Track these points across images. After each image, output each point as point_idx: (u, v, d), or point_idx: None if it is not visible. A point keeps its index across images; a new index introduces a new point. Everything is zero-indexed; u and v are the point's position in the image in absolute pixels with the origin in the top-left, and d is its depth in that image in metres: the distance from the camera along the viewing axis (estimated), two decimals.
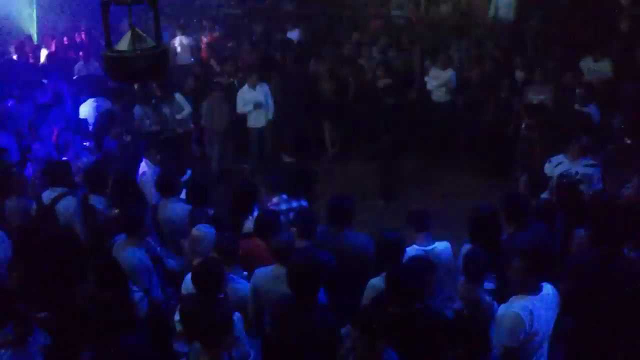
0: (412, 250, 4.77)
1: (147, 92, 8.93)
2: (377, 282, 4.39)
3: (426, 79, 9.86)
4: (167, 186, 5.92)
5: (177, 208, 5.70)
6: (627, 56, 9.36)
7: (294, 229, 4.94)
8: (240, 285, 4.59)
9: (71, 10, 13.38)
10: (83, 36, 12.79)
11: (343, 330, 3.93)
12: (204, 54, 11.94)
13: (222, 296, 4.29)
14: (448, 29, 11.86)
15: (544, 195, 5.86)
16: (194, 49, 12.15)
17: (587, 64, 9.30)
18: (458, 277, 4.51)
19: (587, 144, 6.52)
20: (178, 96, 9.11)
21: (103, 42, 4.56)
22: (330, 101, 9.94)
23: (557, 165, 6.43)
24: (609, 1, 10.81)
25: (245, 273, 4.77)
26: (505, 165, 8.76)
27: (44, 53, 11.95)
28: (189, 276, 4.51)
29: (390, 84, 9.59)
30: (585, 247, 4.98)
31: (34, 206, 5.95)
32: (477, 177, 9.14)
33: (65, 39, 12.80)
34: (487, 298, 4.32)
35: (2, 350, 3.94)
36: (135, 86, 8.81)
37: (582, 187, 6.11)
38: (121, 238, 5.12)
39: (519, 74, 9.49)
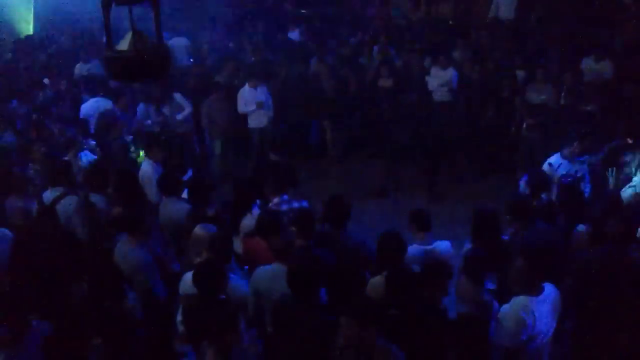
0: (413, 249, 4.77)
1: (150, 91, 8.94)
2: (377, 281, 4.39)
3: (427, 78, 9.85)
4: (168, 186, 5.93)
5: (178, 207, 5.70)
6: (630, 56, 9.35)
7: (293, 229, 4.94)
8: (239, 284, 4.58)
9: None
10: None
11: None
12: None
13: (223, 297, 4.28)
14: (448, 28, 11.88)
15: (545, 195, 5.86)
16: (194, 49, 12.14)
17: (588, 65, 9.30)
18: (458, 276, 4.51)
19: (588, 144, 6.52)
20: (178, 96, 9.12)
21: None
22: (331, 101, 9.93)
23: (558, 167, 6.42)
24: (610, 1, 10.81)
25: (247, 267, 4.76)
26: (507, 165, 8.77)
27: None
28: (187, 276, 4.51)
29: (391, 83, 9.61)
30: (585, 244, 4.97)
31: (35, 206, 5.95)
32: (478, 176, 9.15)
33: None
34: (488, 298, 4.32)
35: None
36: (138, 86, 8.83)
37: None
38: (123, 237, 5.12)
39: (520, 74, 9.48)
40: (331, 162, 10.05)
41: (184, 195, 5.95)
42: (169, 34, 11.79)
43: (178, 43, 11.76)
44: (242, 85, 9.36)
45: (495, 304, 4.29)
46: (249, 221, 5.35)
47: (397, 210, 7.46)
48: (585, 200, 5.94)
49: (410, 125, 9.13)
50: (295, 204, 5.70)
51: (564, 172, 6.26)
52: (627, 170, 6.32)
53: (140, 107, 8.78)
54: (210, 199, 5.80)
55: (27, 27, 13.61)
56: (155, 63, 4.40)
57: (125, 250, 4.92)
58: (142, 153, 7.37)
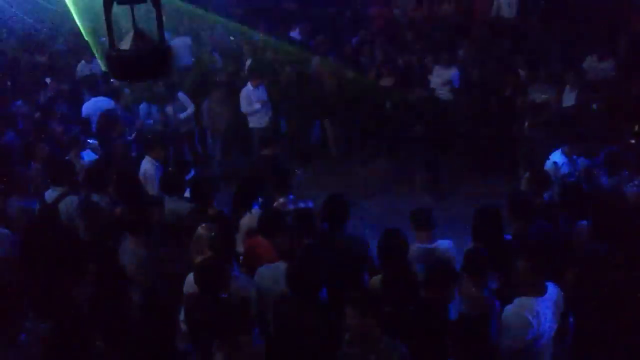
0: (415, 248, 4.77)
1: (152, 91, 8.95)
2: (378, 280, 4.39)
3: (430, 77, 9.84)
4: (171, 185, 5.95)
5: (181, 207, 5.70)
6: (634, 55, 9.33)
7: None
8: (243, 283, 4.58)
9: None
10: None
11: None
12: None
13: (225, 296, 4.28)
14: (450, 27, 11.86)
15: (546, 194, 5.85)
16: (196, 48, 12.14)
17: (591, 63, 9.28)
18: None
19: (586, 146, 6.52)
20: (182, 95, 9.14)
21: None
22: (332, 100, 9.91)
23: (562, 166, 6.41)
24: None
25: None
26: (508, 165, 8.75)
27: None
28: (191, 276, 4.51)
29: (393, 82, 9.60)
30: (586, 239, 4.97)
31: (37, 205, 5.95)
32: (480, 175, 9.13)
33: None
34: (489, 297, 4.32)
35: None
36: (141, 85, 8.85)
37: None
38: (126, 237, 5.12)
39: (522, 73, 9.46)
40: (332, 161, 10.05)
41: (187, 194, 5.97)
42: (171, 34, 11.86)
43: (181, 42, 11.78)
44: (244, 84, 9.36)
45: (497, 303, 4.29)
46: (247, 220, 5.37)
47: (398, 209, 7.45)
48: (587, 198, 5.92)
49: (412, 123, 9.13)
50: (302, 204, 5.71)
51: (567, 171, 6.25)
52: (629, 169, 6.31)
53: (142, 107, 8.79)
54: (212, 199, 5.81)
55: None
56: (156, 62, 4.39)
57: (129, 250, 4.92)
58: None
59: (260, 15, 13.19)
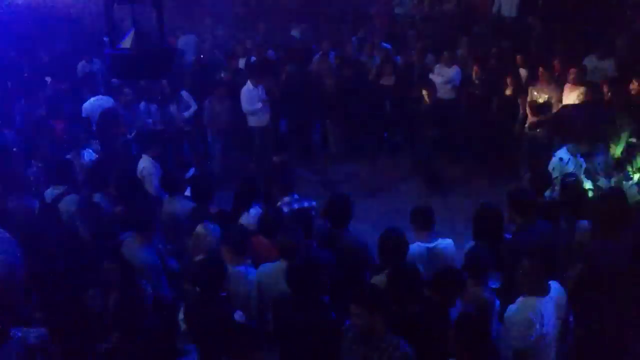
0: (415, 247, 4.77)
1: (153, 89, 8.95)
2: (380, 279, 4.39)
3: (431, 76, 9.84)
4: (171, 184, 5.95)
5: (181, 205, 5.71)
6: (634, 54, 9.32)
7: None
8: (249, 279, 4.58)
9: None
10: None
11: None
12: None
13: (224, 294, 4.29)
14: (451, 26, 11.85)
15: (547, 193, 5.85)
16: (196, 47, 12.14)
17: (591, 62, 9.27)
18: None
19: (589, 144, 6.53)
20: (185, 94, 9.16)
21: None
22: (333, 99, 9.91)
23: (567, 163, 6.41)
24: None
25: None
26: (509, 164, 8.75)
27: None
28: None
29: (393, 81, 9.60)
30: (588, 238, 4.97)
31: (37, 204, 5.95)
32: (481, 175, 9.13)
33: None
34: (490, 296, 4.32)
35: None
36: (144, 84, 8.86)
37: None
38: (129, 235, 5.12)
39: (523, 72, 9.46)
40: (332, 160, 10.05)
41: (187, 192, 5.97)
42: (178, 32, 11.90)
43: (187, 41, 11.79)
44: (244, 83, 9.35)
45: (497, 302, 4.29)
46: (245, 219, 5.37)
47: (398, 208, 7.45)
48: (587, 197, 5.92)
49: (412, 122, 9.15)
50: (306, 203, 5.71)
51: (572, 168, 6.26)
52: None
53: (142, 106, 8.78)
54: (213, 197, 5.82)
55: None
56: (157, 61, 4.40)
57: (131, 250, 4.92)
58: None
59: (261, 14, 13.20)
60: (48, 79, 9.94)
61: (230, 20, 13.24)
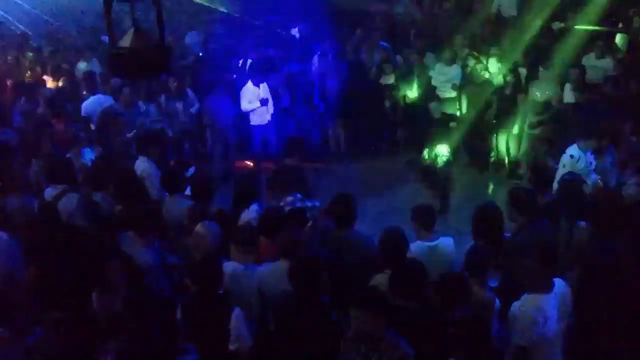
0: (416, 246, 4.76)
1: (150, 88, 8.95)
2: (381, 278, 4.38)
3: (431, 74, 9.83)
4: (171, 183, 5.94)
5: (182, 205, 5.69)
6: (633, 53, 9.31)
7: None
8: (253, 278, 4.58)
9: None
10: None
11: None
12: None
13: (221, 292, 4.28)
14: (451, 25, 11.84)
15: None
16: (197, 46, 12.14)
17: (590, 61, 9.26)
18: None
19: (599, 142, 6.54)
20: (190, 92, 9.17)
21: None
22: (334, 99, 9.91)
23: (578, 160, 6.40)
24: None
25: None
26: (509, 163, 8.76)
27: None
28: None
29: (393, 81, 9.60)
30: (586, 240, 4.96)
31: (36, 203, 5.94)
32: (481, 174, 9.13)
33: None
34: (489, 295, 4.31)
35: None
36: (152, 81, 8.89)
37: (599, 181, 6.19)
38: (129, 236, 5.11)
39: (522, 71, 9.45)
40: (332, 159, 10.04)
41: (188, 192, 5.96)
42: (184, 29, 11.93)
43: (193, 39, 11.81)
44: (244, 82, 9.36)
45: (497, 301, 4.28)
46: (246, 217, 5.37)
47: (398, 208, 7.46)
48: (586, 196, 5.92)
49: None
50: (309, 203, 5.70)
51: (583, 166, 6.25)
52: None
53: (139, 105, 8.77)
54: (213, 197, 5.81)
55: None
56: (156, 60, 4.39)
57: (131, 250, 4.91)
58: None
59: (262, 13, 13.19)
60: (48, 78, 9.95)
61: (231, 19, 13.25)
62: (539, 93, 8.61)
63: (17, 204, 5.87)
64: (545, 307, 3.85)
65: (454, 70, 9.69)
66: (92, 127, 8.07)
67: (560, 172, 6.31)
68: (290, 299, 4.12)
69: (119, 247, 5.00)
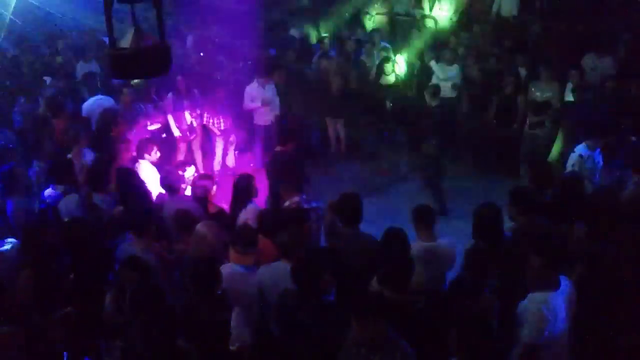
0: (416, 246, 4.76)
1: (147, 89, 8.95)
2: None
3: (432, 74, 9.84)
4: (171, 185, 5.95)
5: (181, 205, 5.70)
6: (633, 52, 9.31)
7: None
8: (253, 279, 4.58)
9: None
10: None
11: None
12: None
13: (220, 293, 4.28)
14: (451, 25, 11.85)
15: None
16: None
17: (590, 61, 9.26)
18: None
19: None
20: (195, 91, 9.20)
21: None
22: (336, 98, 9.91)
23: (587, 159, 6.40)
24: None
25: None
26: (510, 163, 8.74)
27: None
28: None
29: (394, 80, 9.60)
30: (584, 240, 4.97)
31: (37, 204, 5.95)
32: (481, 173, 9.13)
33: None
34: (490, 295, 4.30)
35: None
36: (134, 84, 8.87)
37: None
38: (128, 237, 5.10)
39: (522, 71, 9.46)
40: (332, 159, 10.04)
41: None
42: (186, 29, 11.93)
43: (196, 38, 11.81)
44: (246, 82, 9.36)
45: (497, 301, 4.27)
46: (243, 216, 5.41)
47: (398, 208, 7.45)
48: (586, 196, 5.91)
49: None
50: (314, 204, 5.71)
51: (591, 166, 6.25)
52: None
53: (139, 107, 8.78)
54: (213, 196, 5.82)
55: None
56: (156, 60, 4.39)
57: (130, 250, 4.91)
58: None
59: (262, 12, 13.21)
60: (48, 78, 9.95)
61: (231, 19, 13.25)
62: (539, 93, 8.61)
63: (19, 205, 5.89)
64: (554, 304, 3.83)
65: (455, 70, 9.70)
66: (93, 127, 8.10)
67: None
68: (292, 298, 4.12)
69: (119, 247, 5.02)
